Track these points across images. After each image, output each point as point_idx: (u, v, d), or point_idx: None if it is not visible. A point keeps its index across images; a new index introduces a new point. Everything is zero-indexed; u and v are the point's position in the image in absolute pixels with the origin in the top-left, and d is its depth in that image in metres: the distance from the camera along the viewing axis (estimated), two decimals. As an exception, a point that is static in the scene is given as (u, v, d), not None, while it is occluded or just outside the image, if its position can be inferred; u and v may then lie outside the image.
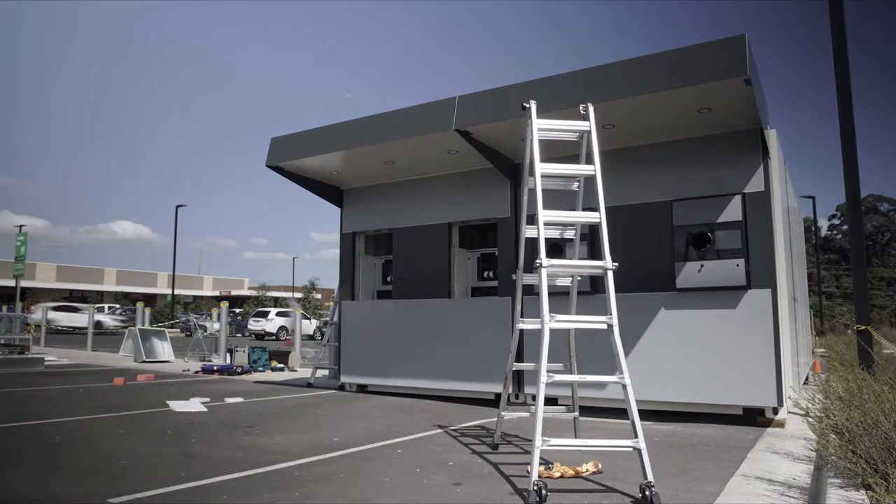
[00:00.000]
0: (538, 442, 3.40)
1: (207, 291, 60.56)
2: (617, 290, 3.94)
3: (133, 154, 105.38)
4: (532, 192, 4.18)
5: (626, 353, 5.80)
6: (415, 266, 8.18)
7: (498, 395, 7.26)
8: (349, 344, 8.68)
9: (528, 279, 4.57)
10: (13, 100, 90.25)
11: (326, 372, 9.93)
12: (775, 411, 5.81)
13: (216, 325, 14.23)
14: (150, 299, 48.06)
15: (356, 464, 4.21)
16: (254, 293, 55.60)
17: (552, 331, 3.74)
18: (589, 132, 4.37)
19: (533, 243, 4.15)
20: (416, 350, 7.93)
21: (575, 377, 4.53)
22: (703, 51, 5.41)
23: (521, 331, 4.58)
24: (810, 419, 5.00)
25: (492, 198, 7.61)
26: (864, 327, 7.41)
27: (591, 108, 4.42)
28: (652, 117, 6.15)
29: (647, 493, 3.31)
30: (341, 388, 8.70)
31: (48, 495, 3.40)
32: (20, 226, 39.19)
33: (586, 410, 5.98)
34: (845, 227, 56.35)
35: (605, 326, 3.77)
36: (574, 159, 4.56)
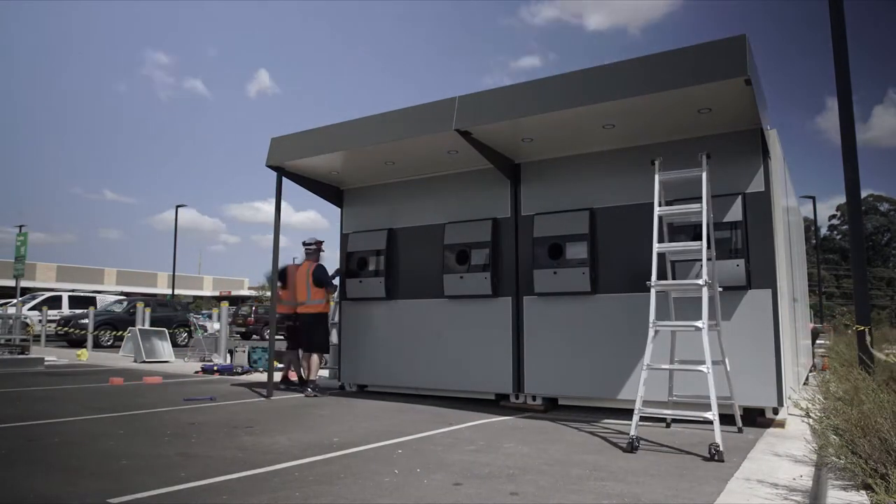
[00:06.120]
0: (639, 403, 4.80)
1: (207, 291, 60.49)
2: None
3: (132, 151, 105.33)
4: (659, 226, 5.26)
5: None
6: (415, 266, 8.18)
7: (498, 396, 7.27)
8: (349, 344, 8.68)
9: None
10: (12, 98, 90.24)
11: (326, 372, 9.92)
12: (776, 411, 5.81)
13: (216, 325, 14.23)
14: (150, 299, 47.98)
15: (356, 464, 4.21)
16: (254, 293, 55.56)
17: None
18: (701, 176, 5.17)
19: None
20: (416, 350, 7.93)
21: (671, 366, 5.36)
22: (703, 51, 5.40)
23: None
24: (810, 420, 5.00)
25: (492, 198, 7.61)
26: (864, 327, 7.41)
27: (704, 159, 5.19)
28: (652, 117, 6.14)
29: (712, 451, 4.34)
30: (341, 388, 8.70)
31: (48, 495, 3.40)
32: (20, 226, 39.20)
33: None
34: (845, 227, 56.31)
35: (693, 329, 4.86)
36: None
